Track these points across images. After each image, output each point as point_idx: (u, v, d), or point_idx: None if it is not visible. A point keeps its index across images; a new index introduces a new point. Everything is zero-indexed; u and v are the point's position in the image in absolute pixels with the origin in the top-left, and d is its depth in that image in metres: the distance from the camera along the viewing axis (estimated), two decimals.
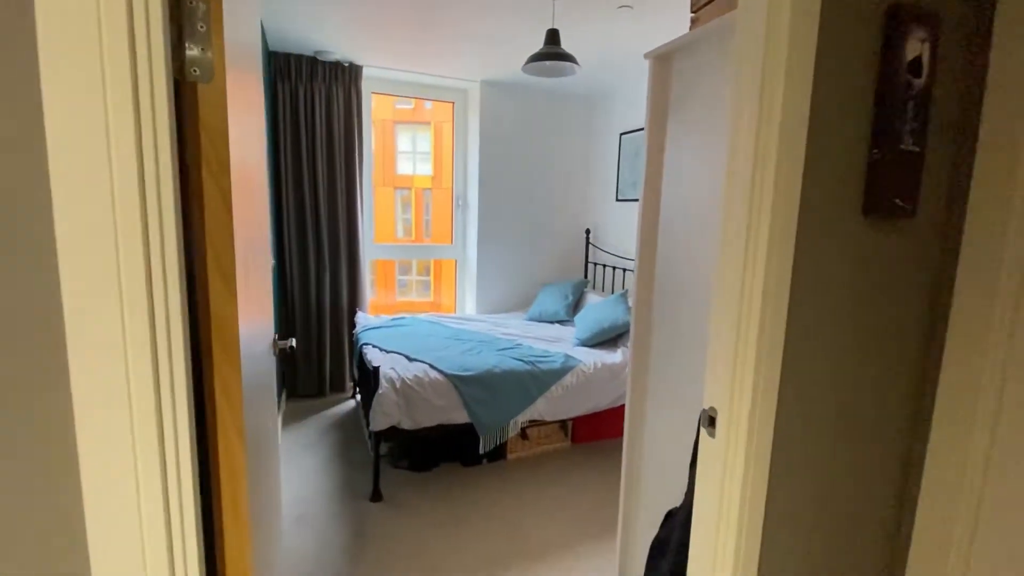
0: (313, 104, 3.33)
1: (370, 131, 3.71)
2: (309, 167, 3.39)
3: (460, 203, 4.13)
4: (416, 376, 2.39)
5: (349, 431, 3.05)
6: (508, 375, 2.54)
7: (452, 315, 3.74)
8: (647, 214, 1.53)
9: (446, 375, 2.43)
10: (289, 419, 3.21)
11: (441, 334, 3.14)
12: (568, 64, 2.23)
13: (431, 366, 2.50)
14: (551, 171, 4.09)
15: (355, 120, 3.46)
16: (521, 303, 4.15)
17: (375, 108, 3.83)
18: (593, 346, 3.00)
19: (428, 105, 12.18)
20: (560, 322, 3.61)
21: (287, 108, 3.27)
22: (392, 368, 2.44)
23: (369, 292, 3.74)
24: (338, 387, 3.67)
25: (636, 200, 3.62)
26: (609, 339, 3.01)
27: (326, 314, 3.52)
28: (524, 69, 2.34)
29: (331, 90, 3.37)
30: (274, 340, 1.39)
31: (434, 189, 12.56)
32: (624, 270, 3.71)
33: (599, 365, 2.75)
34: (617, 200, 3.84)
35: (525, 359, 2.68)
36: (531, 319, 3.68)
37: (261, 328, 1.16)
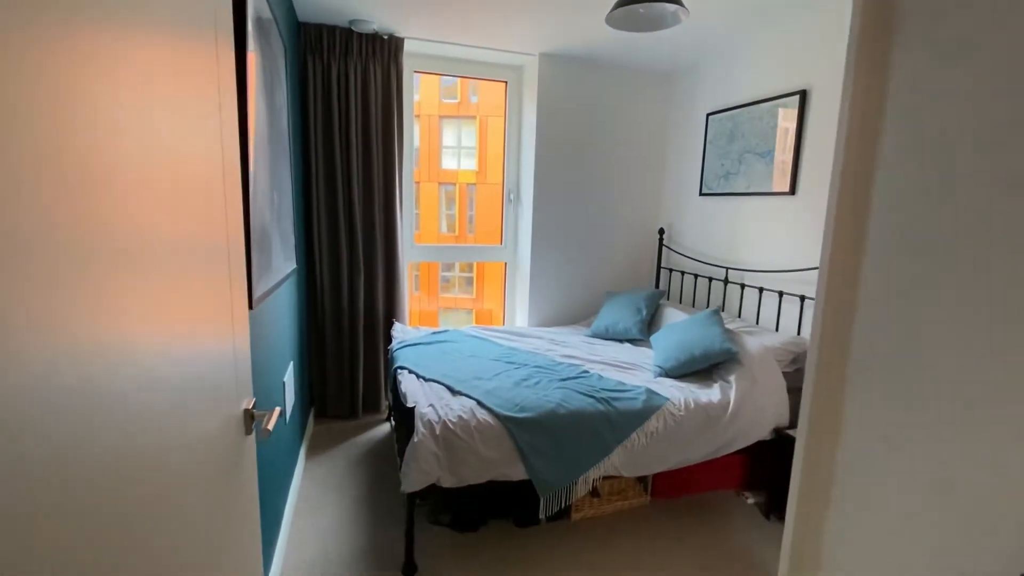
0: (348, 83, 2.88)
1: (412, 117, 3.24)
2: (343, 157, 2.94)
3: (511, 198, 3.60)
4: (460, 417, 1.88)
5: (382, 466, 2.59)
6: (576, 418, 1.98)
7: (501, 328, 3.22)
8: (844, 209, 0.93)
9: (498, 416, 1.91)
10: (316, 447, 2.79)
11: (489, 354, 2.62)
12: (671, 8, 1.64)
13: (479, 403, 1.98)
14: (620, 160, 3.49)
15: (395, 102, 2.99)
16: (580, 315, 3.58)
17: (420, 102, 3.35)
18: (679, 377, 2.40)
19: (474, 99, 11.84)
20: (631, 341, 3.01)
21: (318, 88, 2.83)
22: (431, 405, 1.94)
23: (407, 300, 3.28)
24: (372, 407, 3.23)
25: (724, 195, 2.97)
26: (701, 369, 2.40)
27: (359, 325, 3.08)
28: (609, 20, 1.76)
29: (368, 67, 2.91)
30: (247, 412, 0.89)
31: (479, 184, 12.22)
32: (710, 279, 3.06)
33: (691, 405, 2.15)
34: (701, 194, 3.19)
35: (596, 394, 2.12)
36: (594, 336, 3.10)
37: (200, 396, 0.66)
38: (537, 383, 2.24)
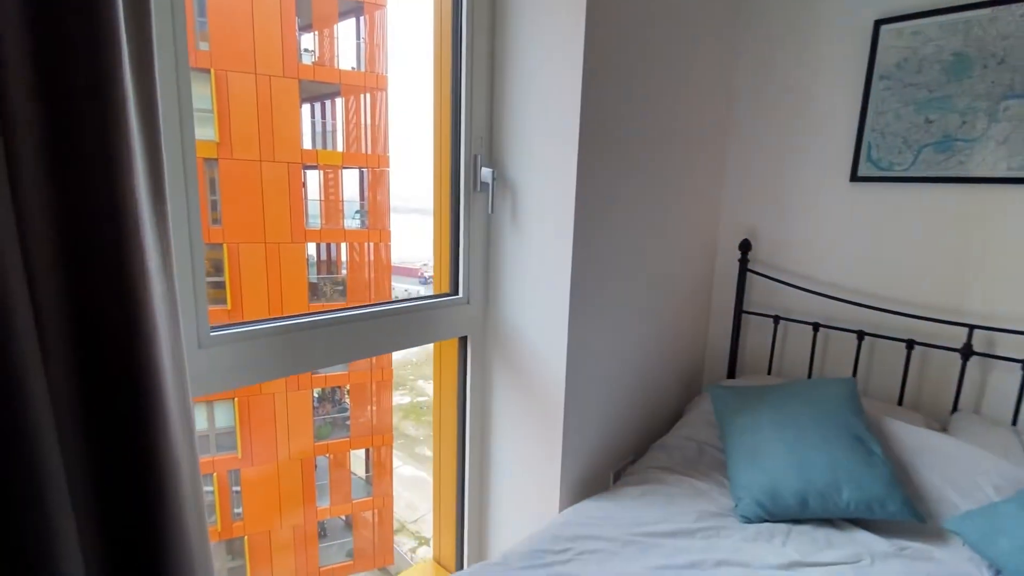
0: None
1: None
2: None
3: (481, 186, 1.43)
4: None
5: None
6: None
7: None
8: None
9: None
10: None
11: None
12: None
13: None
14: (677, 111, 1.69)
15: None
16: (634, 440, 1.70)
17: None
18: None
19: (204, 45, 8.37)
20: (867, 525, 1.30)
21: None
22: None
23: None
24: None
25: (931, 181, 1.52)
26: None
27: None
28: None
29: None
30: None
31: (222, 159, 8.85)
32: (909, 344, 1.57)
33: None
34: (855, 179, 1.67)
35: None
36: (770, 516, 1.29)
37: None
38: None
